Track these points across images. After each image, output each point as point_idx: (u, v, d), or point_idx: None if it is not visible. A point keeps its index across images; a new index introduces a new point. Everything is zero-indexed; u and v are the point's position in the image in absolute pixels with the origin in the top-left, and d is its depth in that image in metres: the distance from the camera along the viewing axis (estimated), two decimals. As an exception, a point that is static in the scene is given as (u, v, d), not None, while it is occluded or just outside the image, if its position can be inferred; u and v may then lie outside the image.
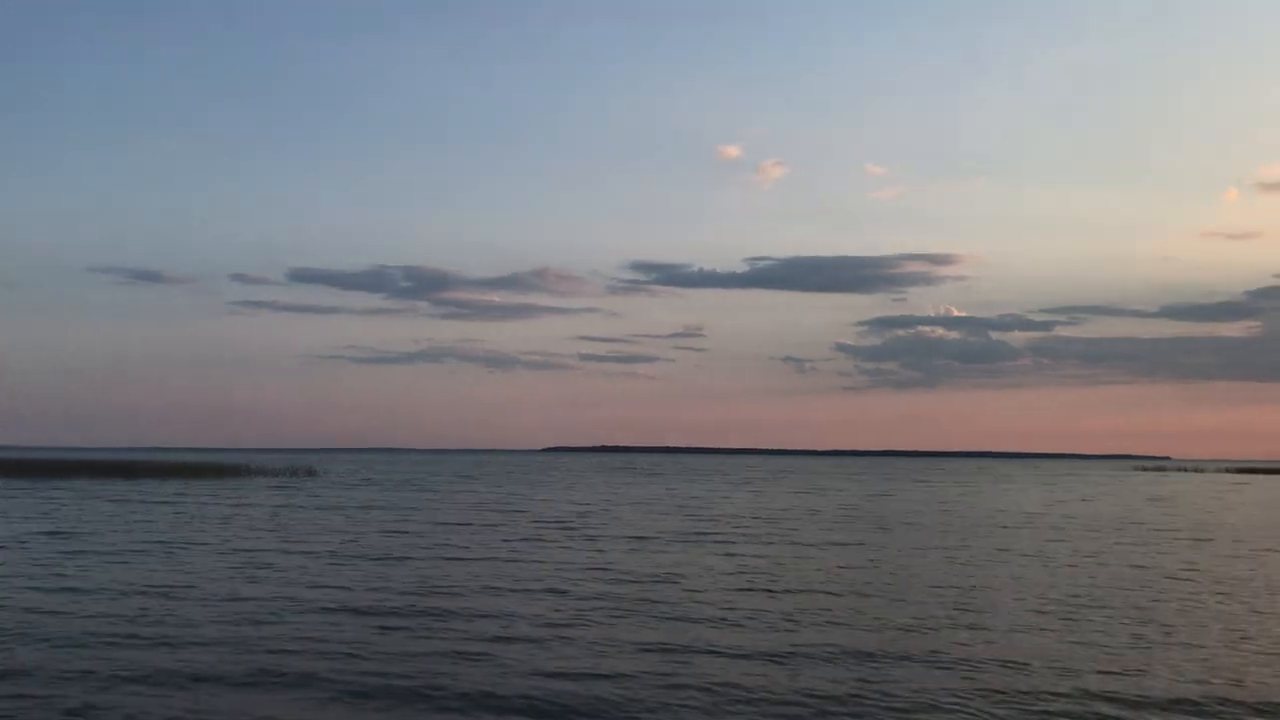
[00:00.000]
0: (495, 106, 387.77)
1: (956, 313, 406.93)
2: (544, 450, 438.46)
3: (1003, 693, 11.93)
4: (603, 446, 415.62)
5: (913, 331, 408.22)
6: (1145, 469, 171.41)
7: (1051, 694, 11.85)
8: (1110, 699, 11.66)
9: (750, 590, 20.11)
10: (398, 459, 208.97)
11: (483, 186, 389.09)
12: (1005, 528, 36.90)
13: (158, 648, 14.01)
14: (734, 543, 30.14)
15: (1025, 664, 13.40)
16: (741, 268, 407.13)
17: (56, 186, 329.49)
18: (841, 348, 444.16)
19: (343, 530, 33.03)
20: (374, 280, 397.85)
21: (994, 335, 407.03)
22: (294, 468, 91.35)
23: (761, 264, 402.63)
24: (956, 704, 11.42)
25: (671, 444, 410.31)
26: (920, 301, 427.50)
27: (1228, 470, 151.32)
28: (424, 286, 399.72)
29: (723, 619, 16.72)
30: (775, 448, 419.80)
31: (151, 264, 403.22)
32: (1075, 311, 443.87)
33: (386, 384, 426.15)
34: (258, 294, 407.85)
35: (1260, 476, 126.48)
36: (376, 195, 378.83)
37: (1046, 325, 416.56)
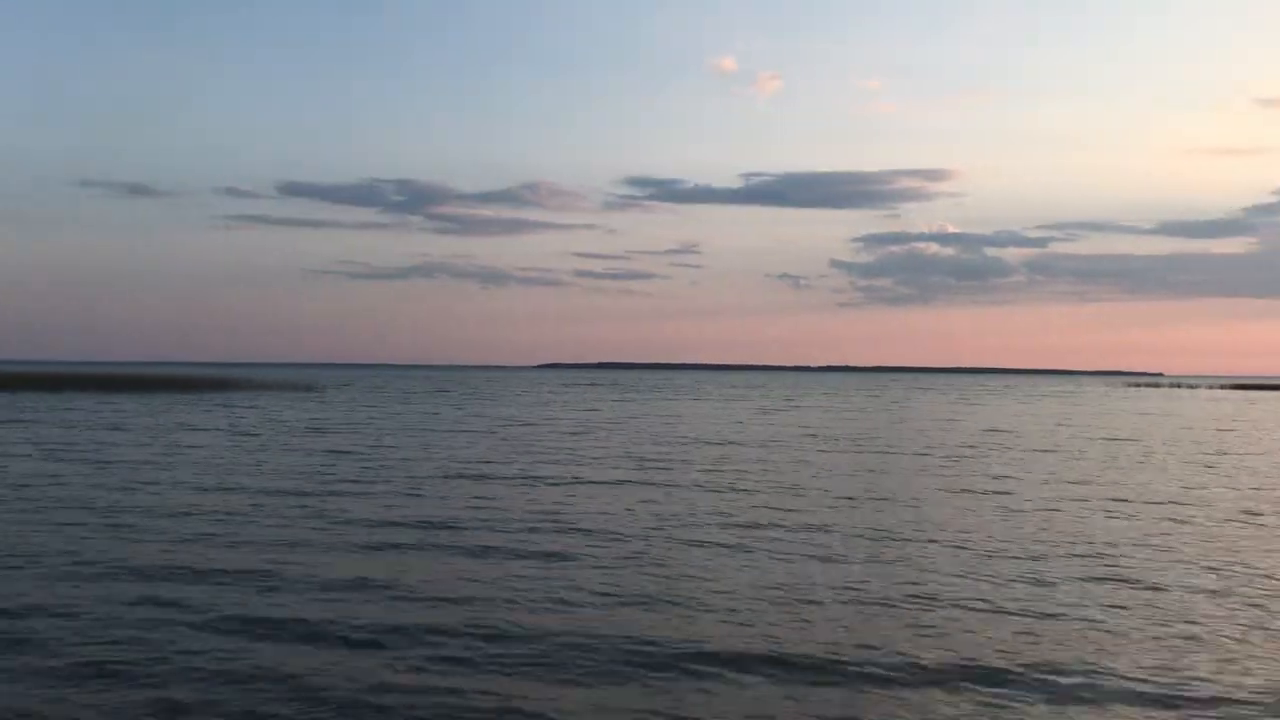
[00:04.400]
0: (486, 18, 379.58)
1: (951, 229, 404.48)
2: (538, 367, 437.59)
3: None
4: (598, 364, 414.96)
5: (907, 248, 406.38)
6: (1137, 385, 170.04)
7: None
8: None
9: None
10: (389, 375, 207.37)
11: (473, 99, 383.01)
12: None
13: None
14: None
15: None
16: (737, 183, 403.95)
17: (42, 96, 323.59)
18: (837, 264, 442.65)
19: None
20: (366, 194, 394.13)
21: (989, 252, 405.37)
22: (293, 382, 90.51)
23: (756, 179, 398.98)
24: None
25: (668, 360, 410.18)
26: (915, 218, 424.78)
27: (1220, 386, 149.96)
28: (416, 200, 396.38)
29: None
30: (771, 364, 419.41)
31: (141, 177, 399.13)
32: (1071, 228, 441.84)
33: (380, 299, 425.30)
34: (248, 208, 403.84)
35: (1255, 393, 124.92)
36: (365, 107, 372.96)
37: (1042, 242, 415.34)
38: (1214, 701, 8.36)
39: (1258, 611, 11.32)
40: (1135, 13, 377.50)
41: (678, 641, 9.88)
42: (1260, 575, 13.21)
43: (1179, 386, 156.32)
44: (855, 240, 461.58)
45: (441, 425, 43.47)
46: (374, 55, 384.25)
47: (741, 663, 9.26)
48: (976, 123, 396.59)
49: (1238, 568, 13.72)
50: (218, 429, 38.85)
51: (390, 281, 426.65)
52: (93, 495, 19.63)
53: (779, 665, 9.20)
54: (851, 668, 9.14)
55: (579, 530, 16.27)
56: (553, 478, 23.61)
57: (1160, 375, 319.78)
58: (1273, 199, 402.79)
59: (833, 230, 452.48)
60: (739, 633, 10.24)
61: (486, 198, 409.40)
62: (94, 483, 21.64)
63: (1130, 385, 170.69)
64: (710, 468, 26.34)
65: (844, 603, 11.49)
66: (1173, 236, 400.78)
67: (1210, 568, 13.67)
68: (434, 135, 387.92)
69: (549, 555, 14.16)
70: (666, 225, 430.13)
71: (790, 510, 18.67)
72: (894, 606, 11.33)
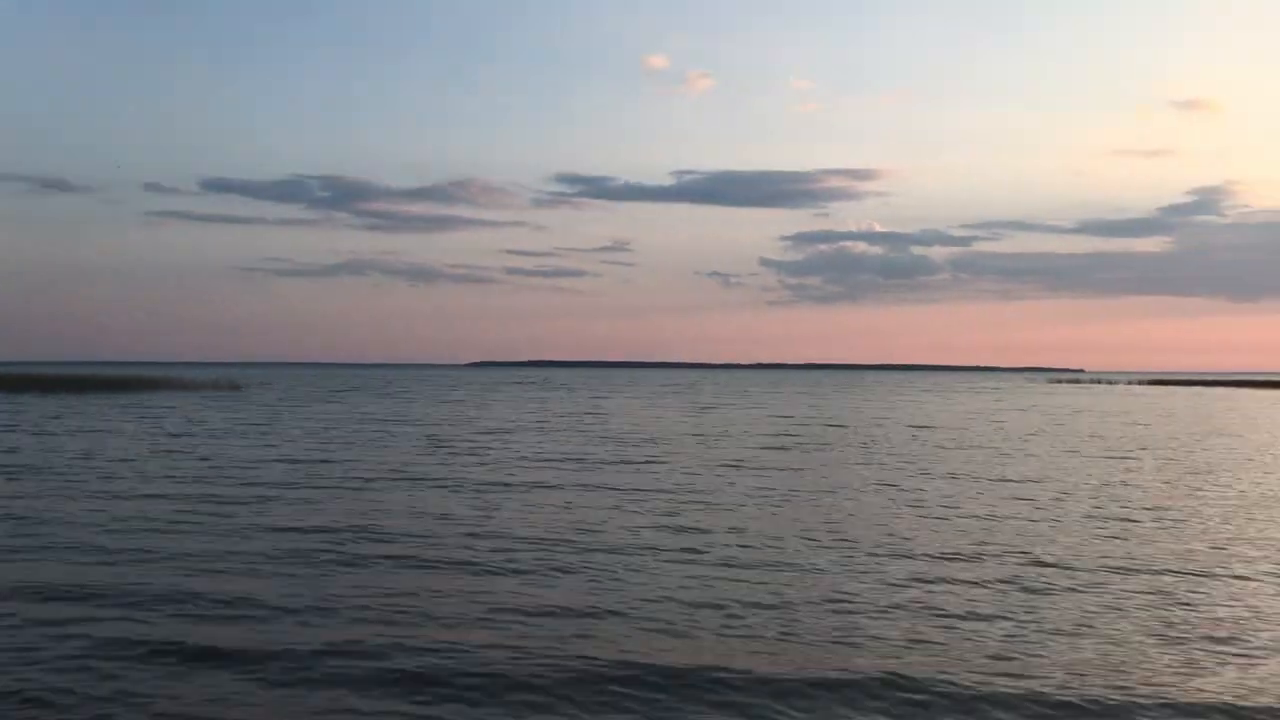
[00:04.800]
0: (413, 12, 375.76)
1: (879, 228, 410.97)
2: (468, 365, 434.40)
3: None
4: (530, 361, 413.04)
5: (836, 246, 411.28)
6: (1060, 381, 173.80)
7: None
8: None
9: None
10: (317, 374, 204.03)
11: (400, 94, 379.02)
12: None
13: None
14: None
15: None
16: (668, 181, 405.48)
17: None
18: (766, 262, 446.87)
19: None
20: (291, 190, 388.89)
21: (915, 250, 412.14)
22: (216, 382, 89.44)
23: (687, 177, 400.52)
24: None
25: (599, 358, 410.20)
26: (843, 216, 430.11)
27: (1139, 382, 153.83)
28: (343, 197, 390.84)
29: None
30: (702, 362, 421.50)
31: (59, 172, 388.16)
32: (994, 227, 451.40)
33: (308, 297, 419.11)
34: (170, 204, 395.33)
35: (1174, 388, 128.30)
36: (288, 102, 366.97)
37: (966, 241, 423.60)
38: (1114, 710, 8.38)
39: (1157, 612, 11.41)
40: (1058, 16, 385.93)
41: (610, 658, 9.64)
42: (1165, 572, 13.38)
43: (1099, 382, 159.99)
44: (784, 239, 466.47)
45: (366, 425, 42.74)
46: (295, 49, 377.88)
47: (674, 679, 9.08)
48: (903, 123, 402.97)
49: (1138, 565, 13.88)
50: (133, 431, 37.74)
51: (317, 279, 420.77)
52: (-2, 506, 18.85)
53: (716, 683, 9.04)
54: (787, 683, 9.02)
55: (507, 537, 15.93)
56: (480, 481, 23.24)
57: (1081, 371, 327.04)
58: (1187, 199, 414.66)
59: (763, 229, 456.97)
60: (673, 647, 10.05)
61: (415, 194, 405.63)
62: None
63: (1053, 381, 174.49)
64: (639, 468, 26.16)
65: (769, 608, 11.36)
66: (1093, 235, 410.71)
67: (1113, 566, 13.81)
68: (360, 131, 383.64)
69: (475, 565, 13.81)
70: (597, 222, 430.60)
71: (717, 510, 18.54)
72: (814, 611, 11.23)
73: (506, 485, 22.61)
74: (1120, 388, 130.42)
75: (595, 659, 9.57)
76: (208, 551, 14.56)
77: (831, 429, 43.48)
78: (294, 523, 17.11)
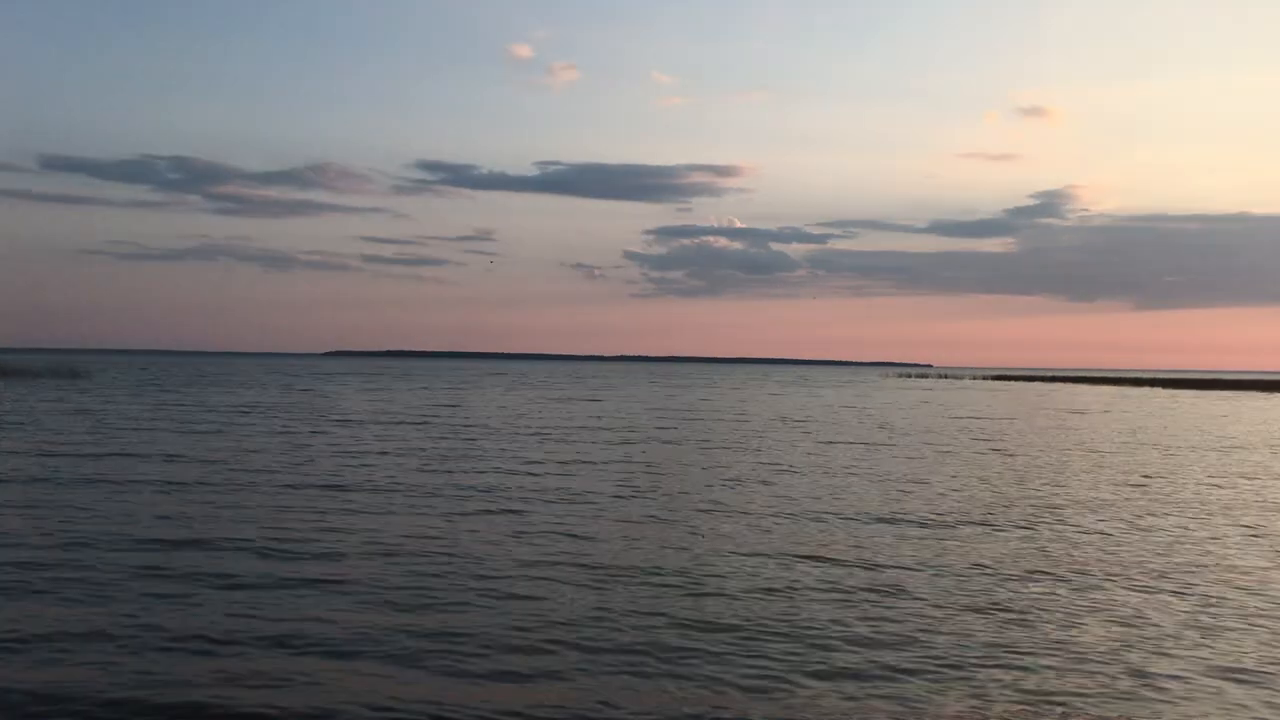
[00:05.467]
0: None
1: (739, 224, 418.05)
2: (325, 354, 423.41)
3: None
4: (389, 351, 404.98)
5: (698, 241, 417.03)
6: (909, 375, 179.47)
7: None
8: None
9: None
10: (163, 362, 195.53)
11: (256, 75, 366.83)
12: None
13: None
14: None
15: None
16: (532, 171, 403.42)
17: None
18: (630, 256, 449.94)
19: None
20: (138, 170, 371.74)
21: (774, 247, 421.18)
22: (56, 368, 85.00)
23: (552, 168, 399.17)
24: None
25: (461, 349, 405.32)
26: (705, 212, 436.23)
27: (983, 378, 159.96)
28: (194, 179, 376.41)
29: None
30: (565, 353, 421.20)
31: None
32: (850, 225, 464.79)
33: (154, 282, 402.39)
34: (8, 182, 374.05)
35: (1016, 384, 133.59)
36: (140, 79, 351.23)
37: (823, 238, 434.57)
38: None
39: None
40: (912, 22, 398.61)
41: (449, 697, 9.07)
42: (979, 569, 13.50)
43: (945, 377, 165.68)
44: (648, 233, 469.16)
45: (205, 417, 40.70)
46: (148, 23, 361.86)
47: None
48: (764, 121, 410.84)
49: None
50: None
51: (165, 263, 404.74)
52: None
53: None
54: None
55: (341, 543, 15.05)
56: (324, 481, 22.11)
57: (930, 366, 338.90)
58: (1030, 202, 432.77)
59: (626, 222, 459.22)
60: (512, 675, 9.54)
61: (269, 178, 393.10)
62: None
63: (902, 375, 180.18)
64: (483, 464, 25.44)
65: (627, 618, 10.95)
66: (942, 235, 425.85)
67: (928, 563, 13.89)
68: (213, 111, 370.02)
69: (310, 581, 12.51)
70: (460, 211, 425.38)
71: (562, 513, 18.06)
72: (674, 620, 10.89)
73: (344, 486, 21.64)
74: (967, 382, 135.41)
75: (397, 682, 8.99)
76: (31, 562, 13.33)
77: (687, 421, 43.54)
78: (106, 530, 15.82)
